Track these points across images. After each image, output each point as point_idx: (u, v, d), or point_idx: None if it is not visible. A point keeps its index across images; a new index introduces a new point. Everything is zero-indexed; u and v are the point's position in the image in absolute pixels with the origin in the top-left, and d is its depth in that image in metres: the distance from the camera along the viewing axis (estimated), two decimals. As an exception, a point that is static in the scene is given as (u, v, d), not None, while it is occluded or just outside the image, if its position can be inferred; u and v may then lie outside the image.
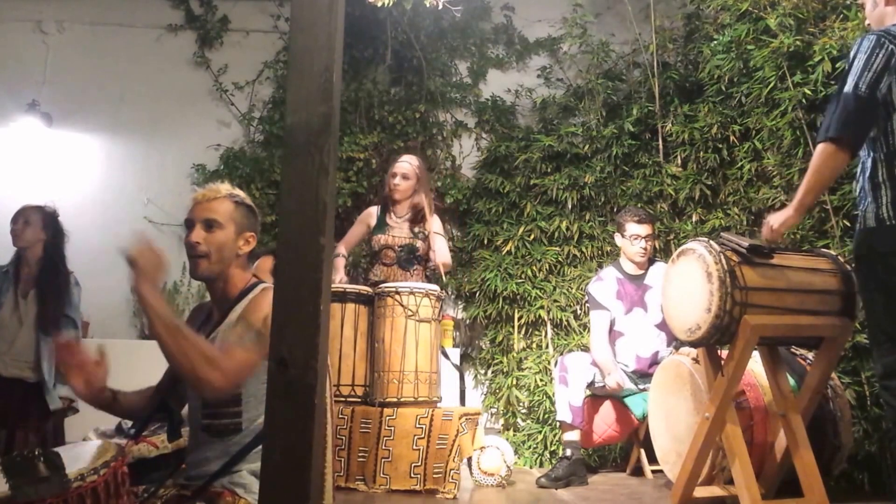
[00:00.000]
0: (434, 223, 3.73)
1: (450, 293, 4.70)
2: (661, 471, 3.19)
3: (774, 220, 2.31)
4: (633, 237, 3.53)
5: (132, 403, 1.79)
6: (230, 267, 1.75)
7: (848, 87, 2.05)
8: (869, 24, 2.29)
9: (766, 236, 2.37)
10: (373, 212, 3.84)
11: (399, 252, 3.67)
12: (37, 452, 1.33)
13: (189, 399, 1.79)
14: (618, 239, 3.66)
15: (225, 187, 1.79)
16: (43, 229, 3.42)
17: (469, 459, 3.29)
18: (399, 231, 3.72)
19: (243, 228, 1.77)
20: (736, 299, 2.38)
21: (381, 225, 3.77)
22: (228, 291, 1.75)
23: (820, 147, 2.10)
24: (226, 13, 5.11)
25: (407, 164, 3.76)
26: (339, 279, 3.64)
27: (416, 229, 3.70)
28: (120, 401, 1.75)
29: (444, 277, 3.87)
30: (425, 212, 3.71)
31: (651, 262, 3.63)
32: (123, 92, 4.92)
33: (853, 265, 2.25)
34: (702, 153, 4.30)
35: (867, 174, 2.11)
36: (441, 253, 3.68)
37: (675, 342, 3.35)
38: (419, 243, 3.68)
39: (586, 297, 3.75)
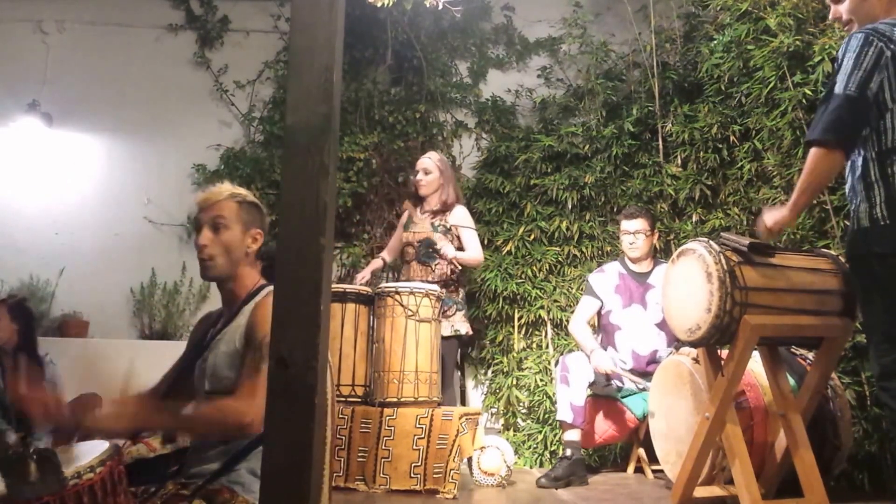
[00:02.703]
0: (456, 215, 3.73)
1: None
2: (661, 471, 3.19)
3: (769, 218, 2.30)
4: (623, 233, 3.58)
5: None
6: (239, 266, 1.76)
7: (838, 88, 2.02)
8: (849, 23, 2.23)
9: (760, 233, 2.37)
10: (407, 212, 3.90)
11: (418, 247, 3.68)
12: (31, 450, 1.33)
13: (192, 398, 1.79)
14: (619, 238, 3.71)
15: (226, 187, 1.81)
16: (13, 321, 3.52)
17: (469, 459, 3.29)
18: (421, 226, 3.74)
19: (250, 226, 1.78)
20: (736, 299, 2.38)
21: (409, 223, 3.81)
22: (237, 291, 1.77)
23: (812, 150, 2.09)
24: (226, 13, 5.11)
25: (427, 158, 3.82)
26: (360, 276, 3.78)
27: (437, 222, 3.71)
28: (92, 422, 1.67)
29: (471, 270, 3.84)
30: (447, 204, 3.73)
31: (656, 261, 3.64)
32: (123, 92, 4.92)
33: (849, 265, 2.24)
34: (702, 153, 4.30)
35: (858, 174, 2.09)
36: (471, 248, 3.69)
37: (676, 342, 3.36)
38: (437, 235, 3.67)
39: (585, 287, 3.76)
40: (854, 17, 2.19)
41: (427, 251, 3.66)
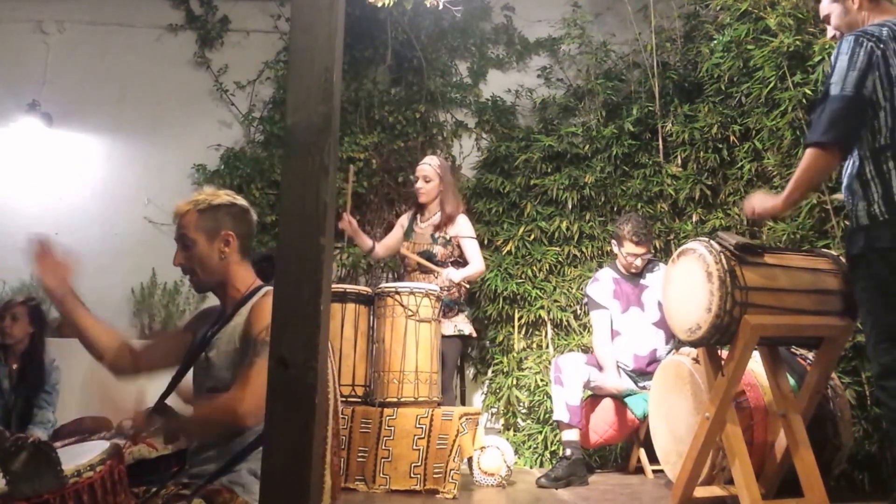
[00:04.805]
0: (457, 225, 3.72)
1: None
2: (661, 471, 3.19)
3: (759, 203, 2.32)
4: (628, 255, 3.55)
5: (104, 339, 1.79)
6: (228, 269, 1.75)
7: (833, 90, 2.06)
8: (834, 38, 2.30)
9: (746, 214, 2.40)
10: (407, 216, 3.91)
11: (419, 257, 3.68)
12: (29, 440, 1.33)
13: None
14: (614, 246, 3.67)
15: (191, 197, 1.77)
16: (31, 323, 3.49)
17: (469, 459, 3.29)
18: (421, 237, 3.75)
19: (214, 232, 1.73)
20: (736, 299, 2.37)
21: (409, 232, 3.81)
22: (232, 293, 1.77)
23: (808, 150, 2.11)
24: (226, 13, 5.11)
25: (427, 165, 3.79)
26: (345, 223, 3.64)
27: (437, 234, 3.70)
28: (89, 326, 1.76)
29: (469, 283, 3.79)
30: (450, 217, 3.71)
31: (647, 262, 3.64)
32: (123, 92, 4.92)
33: (848, 264, 2.26)
34: (702, 153, 4.30)
35: (854, 172, 2.12)
36: (473, 260, 3.67)
37: (675, 341, 3.36)
38: (437, 248, 3.67)
39: (585, 300, 3.76)
40: (838, 31, 2.28)
41: (428, 262, 3.66)
